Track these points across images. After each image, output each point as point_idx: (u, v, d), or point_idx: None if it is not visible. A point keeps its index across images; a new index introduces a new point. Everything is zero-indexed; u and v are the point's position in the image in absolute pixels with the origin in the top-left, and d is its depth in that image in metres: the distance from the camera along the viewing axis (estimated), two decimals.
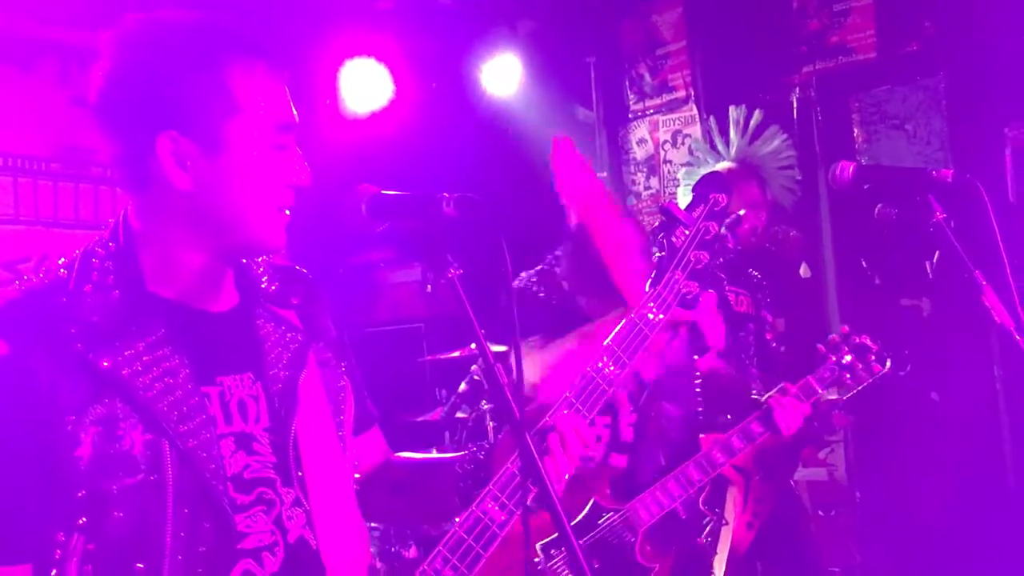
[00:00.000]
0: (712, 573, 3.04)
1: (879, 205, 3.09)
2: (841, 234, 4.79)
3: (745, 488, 3.30)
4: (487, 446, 1.69)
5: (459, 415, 4.52)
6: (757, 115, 3.82)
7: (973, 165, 4.20)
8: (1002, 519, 4.00)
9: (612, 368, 1.65)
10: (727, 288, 3.69)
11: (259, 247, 1.52)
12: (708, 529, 3.20)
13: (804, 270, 4.88)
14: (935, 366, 4.02)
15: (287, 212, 1.50)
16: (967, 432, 4.19)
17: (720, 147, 3.87)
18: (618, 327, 1.69)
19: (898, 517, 4.34)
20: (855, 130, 4.70)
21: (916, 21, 4.57)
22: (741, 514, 3.27)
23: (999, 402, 4.21)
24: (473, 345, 4.46)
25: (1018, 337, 2.01)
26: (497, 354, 1.55)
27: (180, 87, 1.40)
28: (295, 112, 1.49)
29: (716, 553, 3.14)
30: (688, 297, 1.73)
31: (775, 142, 3.82)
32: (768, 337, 3.66)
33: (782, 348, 3.70)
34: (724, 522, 3.15)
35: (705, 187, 1.82)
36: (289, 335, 1.56)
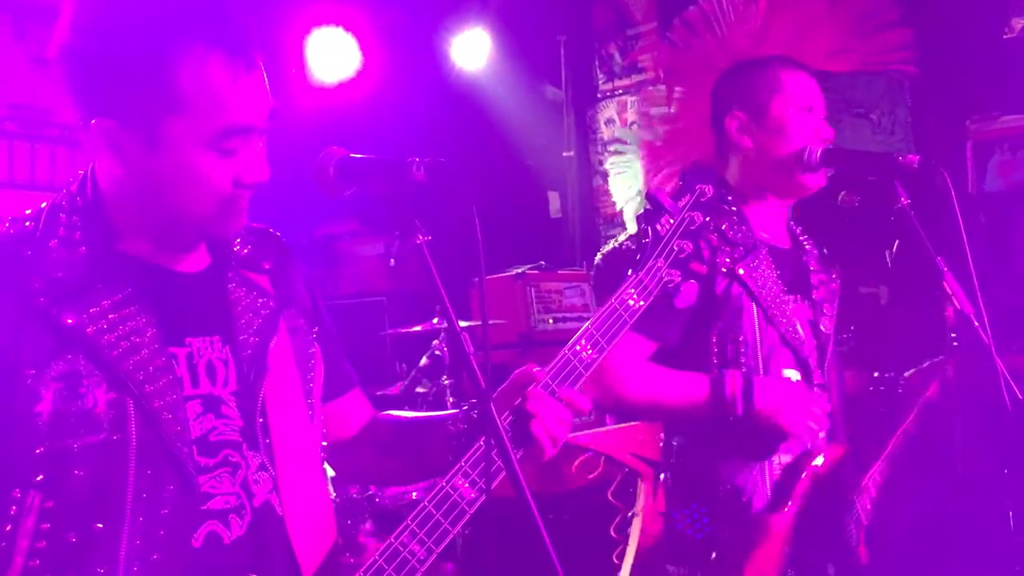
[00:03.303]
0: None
1: (843, 192, 3.11)
2: (801, 220, 4.83)
3: (654, 480, 3.22)
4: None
5: (419, 389, 4.51)
6: None
7: (935, 156, 4.24)
8: (947, 507, 4.07)
9: (590, 352, 1.63)
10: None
11: (204, 236, 1.49)
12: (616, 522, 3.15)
13: None
14: (891, 354, 4.08)
15: (241, 204, 1.43)
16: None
17: None
18: (598, 311, 1.68)
19: (848, 507, 4.40)
20: None
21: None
22: (651, 505, 3.22)
23: (950, 391, 4.28)
24: (436, 320, 4.46)
25: (976, 324, 2.04)
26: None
27: (124, 76, 1.33)
28: (263, 106, 1.39)
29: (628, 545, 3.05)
30: (670, 286, 1.72)
31: None
32: None
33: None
34: (633, 514, 3.10)
35: (692, 177, 1.80)
36: (260, 300, 1.54)
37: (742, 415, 2.16)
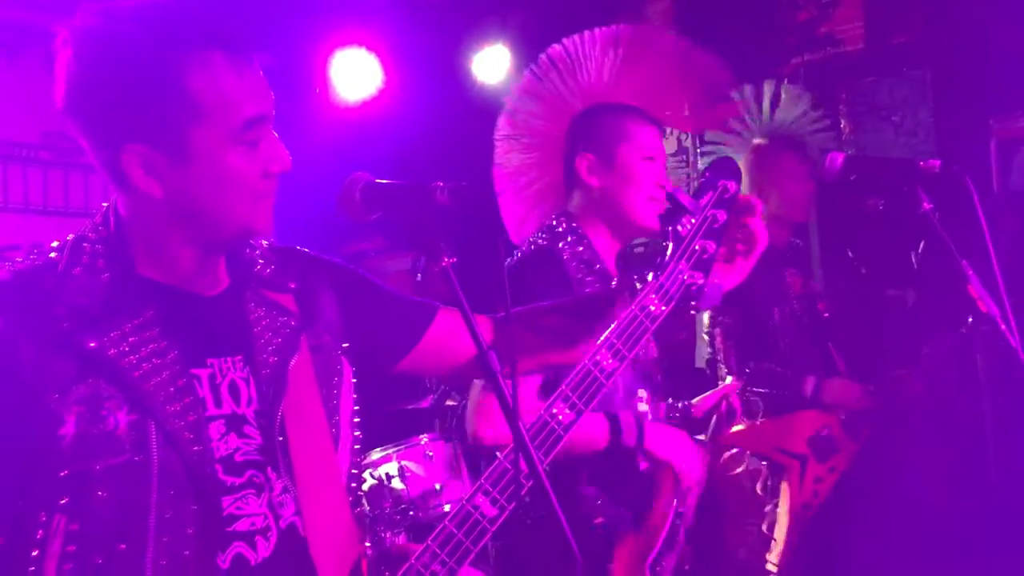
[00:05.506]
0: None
1: (867, 196, 3.10)
2: (828, 224, 4.82)
3: (800, 472, 3.29)
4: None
5: (449, 402, 4.53)
6: (769, 86, 3.73)
7: (959, 157, 4.23)
8: (982, 510, 4.04)
9: (610, 361, 1.61)
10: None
11: (245, 236, 1.51)
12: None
13: None
14: (918, 356, 4.06)
15: (272, 197, 1.47)
16: (949, 423, 4.23)
17: (751, 123, 3.77)
18: (619, 319, 1.65)
19: (881, 509, 4.37)
20: (842, 121, 4.72)
21: (904, 13, 4.59)
22: (797, 496, 3.28)
23: (982, 392, 4.25)
24: None
25: (1003, 327, 2.04)
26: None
27: (139, 98, 1.36)
28: (269, 96, 1.44)
29: (773, 539, 3.15)
30: (693, 288, 1.67)
31: (801, 105, 3.74)
32: (820, 307, 3.65)
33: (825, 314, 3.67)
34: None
35: (715, 173, 1.76)
36: (281, 320, 1.55)
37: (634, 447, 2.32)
